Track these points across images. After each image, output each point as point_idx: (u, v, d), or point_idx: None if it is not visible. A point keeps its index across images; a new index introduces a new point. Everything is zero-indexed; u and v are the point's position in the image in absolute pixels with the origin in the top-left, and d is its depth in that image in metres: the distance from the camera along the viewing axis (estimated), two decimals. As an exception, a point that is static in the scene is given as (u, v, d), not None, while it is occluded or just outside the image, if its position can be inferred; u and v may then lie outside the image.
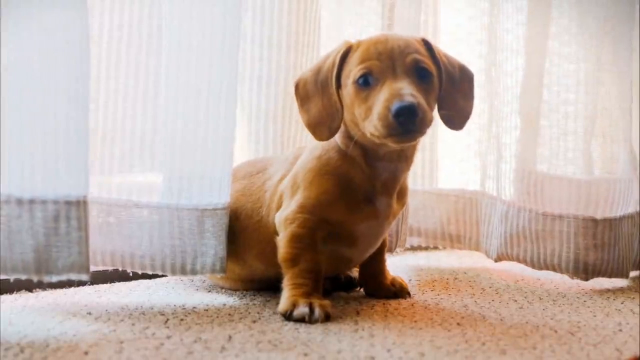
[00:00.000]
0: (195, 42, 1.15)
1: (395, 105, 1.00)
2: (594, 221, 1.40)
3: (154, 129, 1.19)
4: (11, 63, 1.00)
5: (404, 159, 1.14)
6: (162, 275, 1.33)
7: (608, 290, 1.37)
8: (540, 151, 1.49)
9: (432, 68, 1.09)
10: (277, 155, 1.34)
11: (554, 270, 1.42)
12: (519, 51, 1.48)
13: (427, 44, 1.12)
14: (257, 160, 1.32)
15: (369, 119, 1.04)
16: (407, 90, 1.02)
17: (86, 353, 0.89)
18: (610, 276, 1.41)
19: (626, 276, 1.43)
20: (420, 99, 1.03)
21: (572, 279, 1.42)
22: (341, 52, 1.11)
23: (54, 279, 1.02)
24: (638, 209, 1.47)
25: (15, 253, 1.00)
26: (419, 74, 1.07)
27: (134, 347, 0.92)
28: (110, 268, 1.20)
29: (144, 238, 1.16)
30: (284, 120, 1.41)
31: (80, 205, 1.03)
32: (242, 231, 1.20)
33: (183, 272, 1.17)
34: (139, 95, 1.19)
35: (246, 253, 1.21)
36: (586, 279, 1.40)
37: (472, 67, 1.58)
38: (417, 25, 1.49)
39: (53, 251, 1.01)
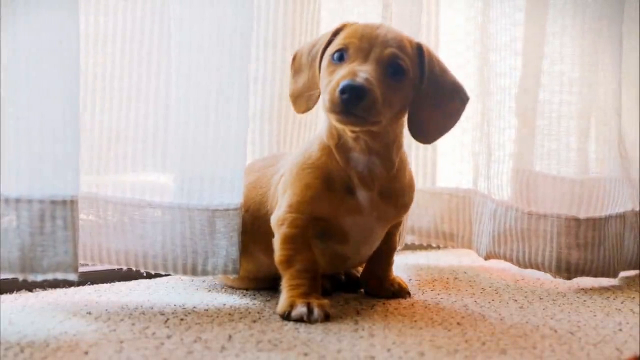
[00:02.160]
0: (207, 42, 1.15)
1: (343, 83, 1.00)
2: (577, 220, 1.40)
3: (165, 129, 1.19)
4: (3, 63, 1.00)
5: (375, 153, 1.12)
6: (162, 275, 1.33)
7: (608, 290, 1.38)
8: (532, 150, 1.49)
9: (410, 69, 1.08)
10: (288, 152, 1.34)
11: (538, 269, 1.43)
12: (513, 51, 1.48)
13: (419, 49, 1.11)
14: (271, 155, 1.33)
15: (325, 92, 1.05)
16: (363, 74, 1.02)
17: (86, 353, 0.89)
18: (595, 276, 1.41)
19: (614, 276, 1.43)
20: (375, 87, 1.02)
21: (555, 277, 1.43)
22: (335, 28, 1.12)
23: (39, 278, 1.02)
24: (627, 209, 1.47)
25: (2, 252, 1.00)
26: (392, 69, 1.06)
27: (134, 346, 0.92)
28: (124, 267, 1.20)
29: (157, 238, 1.17)
30: (279, 120, 1.41)
31: (66, 205, 1.03)
32: (251, 224, 1.21)
33: (194, 272, 1.18)
34: (150, 95, 1.20)
35: (253, 246, 1.21)
36: (569, 278, 1.41)
37: (469, 67, 1.60)
38: (417, 24, 1.49)
39: (38, 250, 1.01)
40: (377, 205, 1.14)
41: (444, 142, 1.68)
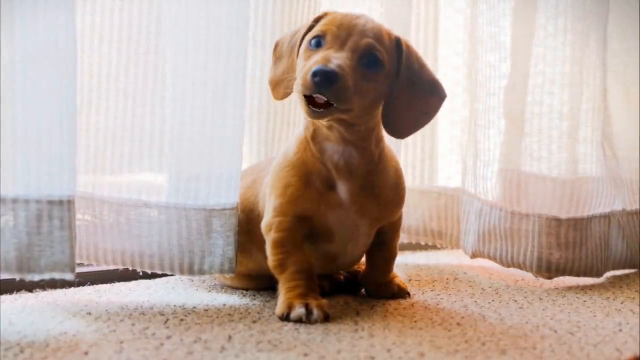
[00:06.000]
0: (203, 42, 1.15)
1: (315, 67, 1.00)
2: (558, 220, 1.41)
3: (161, 129, 1.20)
4: (2, 63, 1.00)
5: (352, 144, 1.11)
6: (162, 275, 1.33)
7: (608, 290, 1.37)
8: (520, 151, 1.49)
9: (386, 62, 1.07)
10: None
11: (520, 268, 1.44)
12: (501, 53, 1.48)
13: (397, 42, 1.11)
14: (270, 157, 1.33)
15: (299, 76, 1.05)
16: (336, 60, 1.02)
17: (86, 353, 0.89)
18: (577, 275, 1.42)
19: (597, 276, 1.44)
20: (347, 75, 1.01)
21: (536, 277, 1.43)
22: (316, 16, 1.12)
23: (37, 277, 1.02)
24: (614, 209, 1.47)
25: None
26: (367, 60, 1.06)
27: (134, 347, 0.92)
28: (121, 267, 1.20)
29: (153, 237, 1.17)
30: (268, 119, 1.41)
31: (63, 205, 1.03)
32: (247, 224, 1.21)
33: (191, 272, 1.18)
34: (147, 95, 1.20)
35: (251, 245, 1.21)
36: (549, 278, 1.42)
37: (466, 68, 1.60)
38: (407, 24, 1.49)
39: (35, 250, 1.02)
40: (357, 198, 1.12)
41: (443, 143, 1.68)
